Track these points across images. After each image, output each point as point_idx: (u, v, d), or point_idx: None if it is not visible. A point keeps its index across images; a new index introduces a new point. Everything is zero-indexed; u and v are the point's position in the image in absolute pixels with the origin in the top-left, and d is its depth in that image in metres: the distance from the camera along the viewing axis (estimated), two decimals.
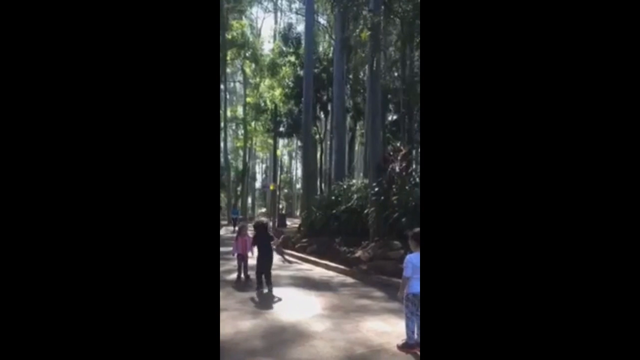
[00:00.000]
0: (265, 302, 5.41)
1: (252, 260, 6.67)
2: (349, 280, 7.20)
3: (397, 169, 9.02)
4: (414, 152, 13.13)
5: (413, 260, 3.46)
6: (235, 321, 4.33)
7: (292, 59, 22.13)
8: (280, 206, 32.27)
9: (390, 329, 4.01)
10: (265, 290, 5.87)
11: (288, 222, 15.95)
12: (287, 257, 10.02)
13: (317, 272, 8.09)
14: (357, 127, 22.89)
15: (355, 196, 10.85)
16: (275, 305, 5.21)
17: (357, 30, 10.71)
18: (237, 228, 14.85)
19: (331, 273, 7.91)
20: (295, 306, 5.05)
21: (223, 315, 4.32)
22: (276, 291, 5.93)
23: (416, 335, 3.41)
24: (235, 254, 6.82)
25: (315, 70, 17.61)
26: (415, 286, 3.40)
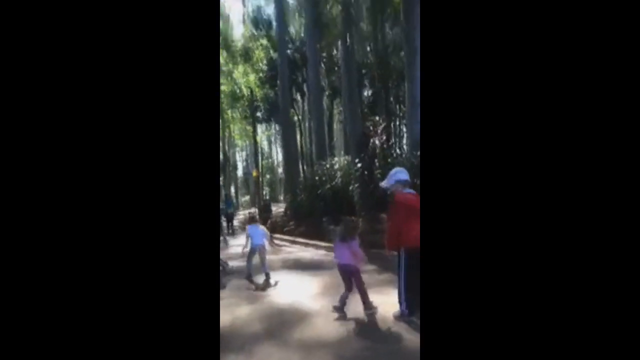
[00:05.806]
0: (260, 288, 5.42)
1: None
2: None
3: (378, 143, 9.04)
4: (392, 124, 13.16)
5: (249, 229, 5.97)
6: (231, 308, 4.32)
7: (265, 42, 21.70)
8: (264, 192, 32.17)
9: (385, 299, 4.06)
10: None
11: (273, 208, 15.73)
12: (276, 241, 10.02)
13: (308, 253, 8.14)
14: (335, 106, 22.78)
15: (338, 174, 10.86)
16: (270, 290, 5.22)
17: (328, 6, 10.54)
18: (230, 224, 13.56)
19: (322, 252, 7.96)
20: (291, 288, 5.06)
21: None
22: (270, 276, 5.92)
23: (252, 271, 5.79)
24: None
25: (289, 52, 17.30)
26: (255, 241, 5.79)
